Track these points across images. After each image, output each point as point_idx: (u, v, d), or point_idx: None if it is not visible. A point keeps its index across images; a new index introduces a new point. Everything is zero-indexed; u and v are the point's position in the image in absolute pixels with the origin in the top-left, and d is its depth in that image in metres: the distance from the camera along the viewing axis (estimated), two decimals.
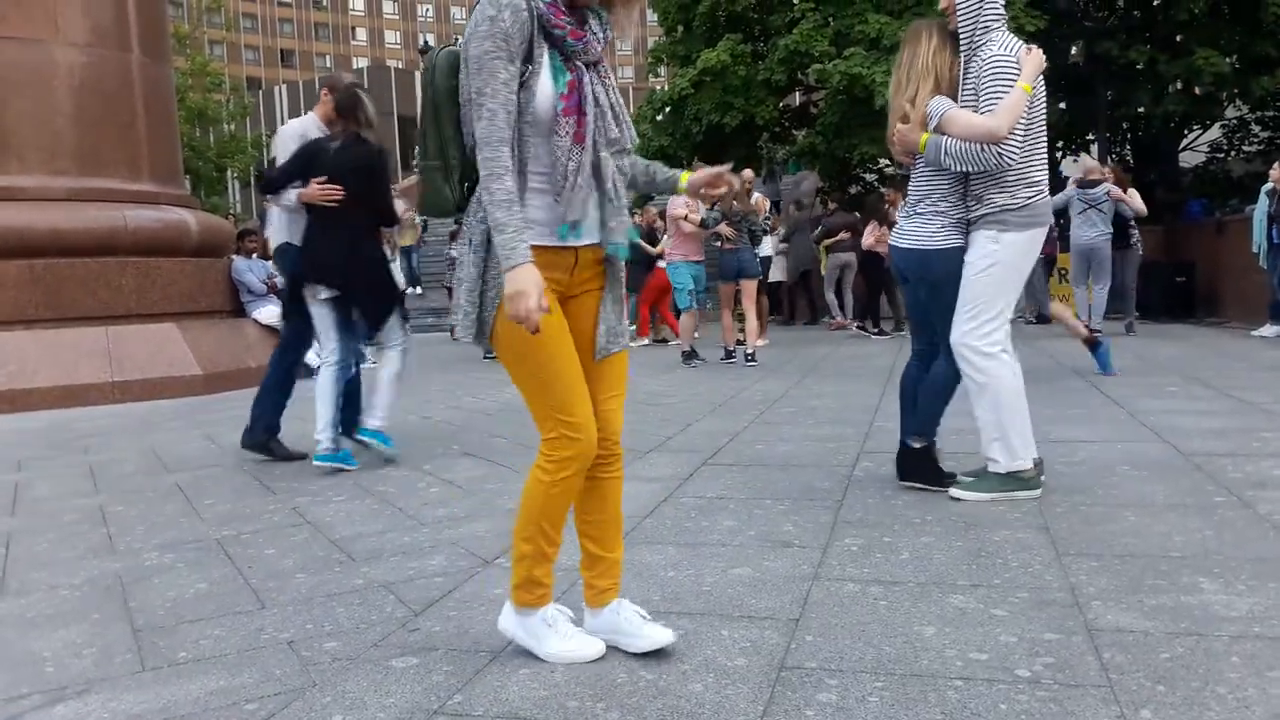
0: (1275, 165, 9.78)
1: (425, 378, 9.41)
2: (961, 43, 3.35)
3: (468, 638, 2.32)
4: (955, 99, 3.34)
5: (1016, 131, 3.20)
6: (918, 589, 2.53)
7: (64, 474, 4.78)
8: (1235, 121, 16.26)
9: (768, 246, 11.42)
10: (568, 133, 1.99)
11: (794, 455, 4.45)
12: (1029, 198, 3.32)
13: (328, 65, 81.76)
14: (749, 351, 8.69)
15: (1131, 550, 2.79)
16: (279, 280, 9.65)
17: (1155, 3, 14.73)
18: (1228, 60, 13.48)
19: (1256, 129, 16.22)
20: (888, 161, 16.70)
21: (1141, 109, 14.59)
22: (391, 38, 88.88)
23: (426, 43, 31.57)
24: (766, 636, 2.24)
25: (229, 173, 27.05)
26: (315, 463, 4.40)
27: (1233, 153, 17.05)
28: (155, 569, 3.04)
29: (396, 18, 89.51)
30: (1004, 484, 3.41)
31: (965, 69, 3.34)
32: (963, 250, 3.41)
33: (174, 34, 22.03)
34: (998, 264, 3.32)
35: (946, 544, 2.93)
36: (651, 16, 19.14)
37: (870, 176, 17.06)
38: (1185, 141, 16.45)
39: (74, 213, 8.34)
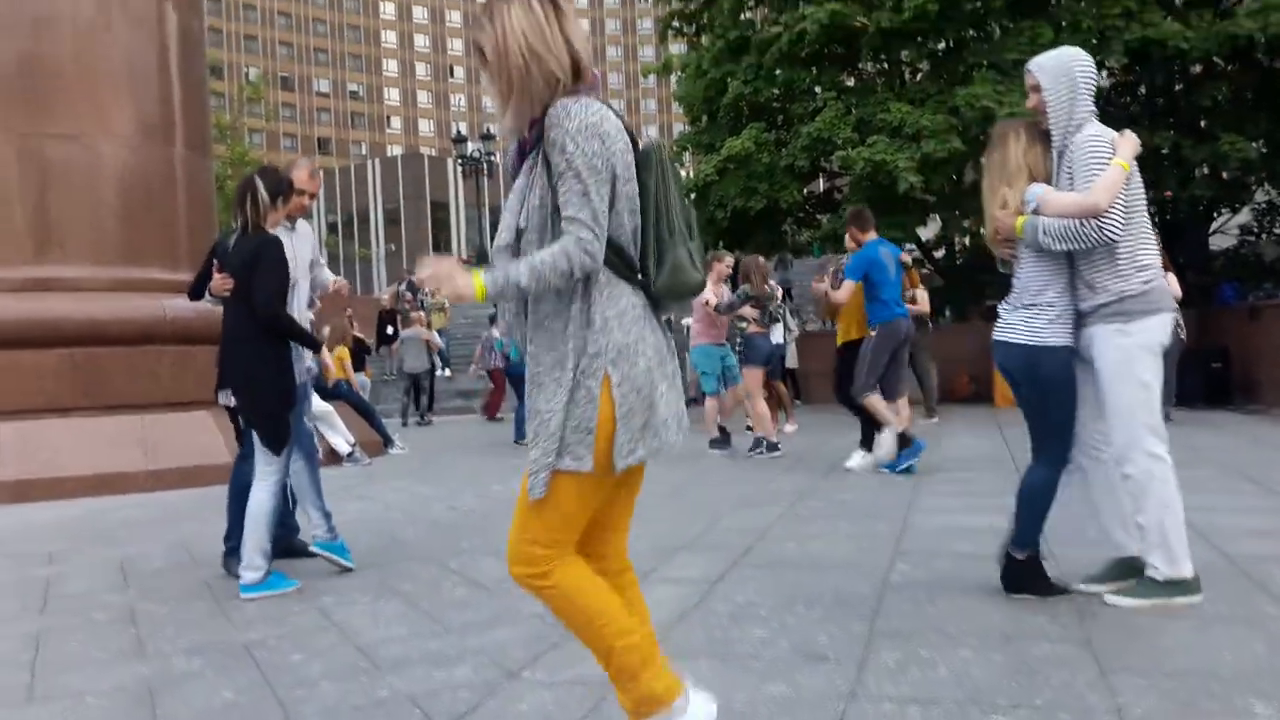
0: None
1: (452, 462, 9.43)
2: (1054, 140, 3.34)
3: None
4: None
5: (1116, 207, 3.14)
6: (956, 709, 2.46)
7: (95, 568, 4.79)
8: (1265, 205, 16.24)
9: (779, 333, 11.43)
10: None
11: (826, 555, 4.38)
12: (1146, 281, 3.23)
13: (363, 153, 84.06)
14: (773, 440, 8.61)
15: (1180, 667, 2.70)
16: (313, 369, 9.79)
17: (1177, 89, 14.86)
18: (1254, 145, 13.52)
19: None
20: (912, 245, 16.81)
21: (1169, 194, 14.62)
22: (425, 126, 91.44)
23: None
24: None
25: None
26: (242, 595, 3.97)
27: (1263, 235, 17.00)
28: (183, 675, 3.02)
29: (430, 107, 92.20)
30: (1164, 591, 3.26)
31: (1059, 163, 3.33)
32: (1073, 350, 3.32)
33: (215, 124, 22.72)
34: (1134, 358, 3.22)
35: (985, 658, 2.84)
36: (677, 106, 19.57)
37: None
38: (1215, 225, 16.42)
39: (114, 302, 8.53)
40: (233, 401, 4.25)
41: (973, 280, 17.66)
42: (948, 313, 17.29)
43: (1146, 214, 3.35)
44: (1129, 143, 3.25)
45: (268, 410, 4.03)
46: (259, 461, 4.07)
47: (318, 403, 9.52)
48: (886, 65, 16.06)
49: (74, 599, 4.16)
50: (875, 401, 7.09)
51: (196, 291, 4.52)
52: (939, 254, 17.82)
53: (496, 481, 7.51)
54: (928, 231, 16.86)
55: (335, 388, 10.26)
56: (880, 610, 3.43)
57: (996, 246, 3.47)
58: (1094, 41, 13.88)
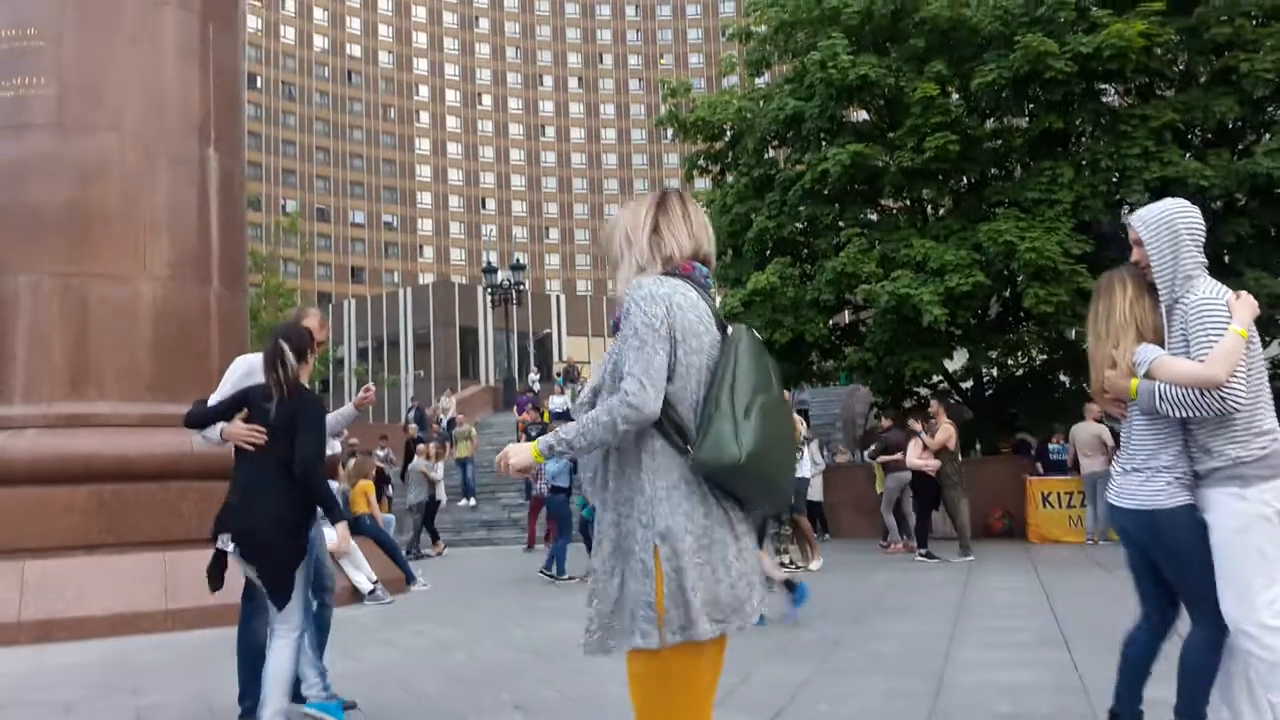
0: None
1: (475, 601, 9.27)
2: (1161, 294, 3.24)
3: None
4: (1162, 347, 3.23)
5: (1237, 376, 3.03)
6: None
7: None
8: None
9: (807, 467, 11.33)
10: None
11: (860, 713, 4.21)
12: (1264, 446, 3.10)
13: (395, 281, 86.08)
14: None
15: None
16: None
17: None
18: (1279, 280, 13.55)
19: None
20: (941, 377, 16.79)
21: None
22: (456, 255, 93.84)
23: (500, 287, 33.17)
24: None
25: None
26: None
27: None
28: None
29: (462, 237, 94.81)
30: None
31: (1169, 319, 3.22)
32: (1193, 509, 3.18)
33: (251, 255, 23.35)
34: (1251, 525, 3.07)
35: None
36: None
37: (923, 391, 17.09)
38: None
39: (144, 439, 8.60)
40: (230, 547, 4.11)
41: (1002, 412, 17.56)
42: (978, 446, 17.11)
43: (1266, 375, 3.22)
44: (1246, 306, 3.11)
45: (280, 567, 3.98)
46: (276, 619, 4.00)
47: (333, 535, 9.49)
48: (909, 202, 16.39)
49: None
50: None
51: (199, 420, 4.43)
52: (967, 384, 17.76)
53: (519, 625, 7.36)
54: (954, 363, 16.86)
55: (358, 522, 10.22)
56: None
57: (1104, 403, 3.41)
58: (1114, 179, 14.15)
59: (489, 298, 34.23)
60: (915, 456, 11.73)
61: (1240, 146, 14.81)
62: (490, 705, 4.69)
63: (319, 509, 4.17)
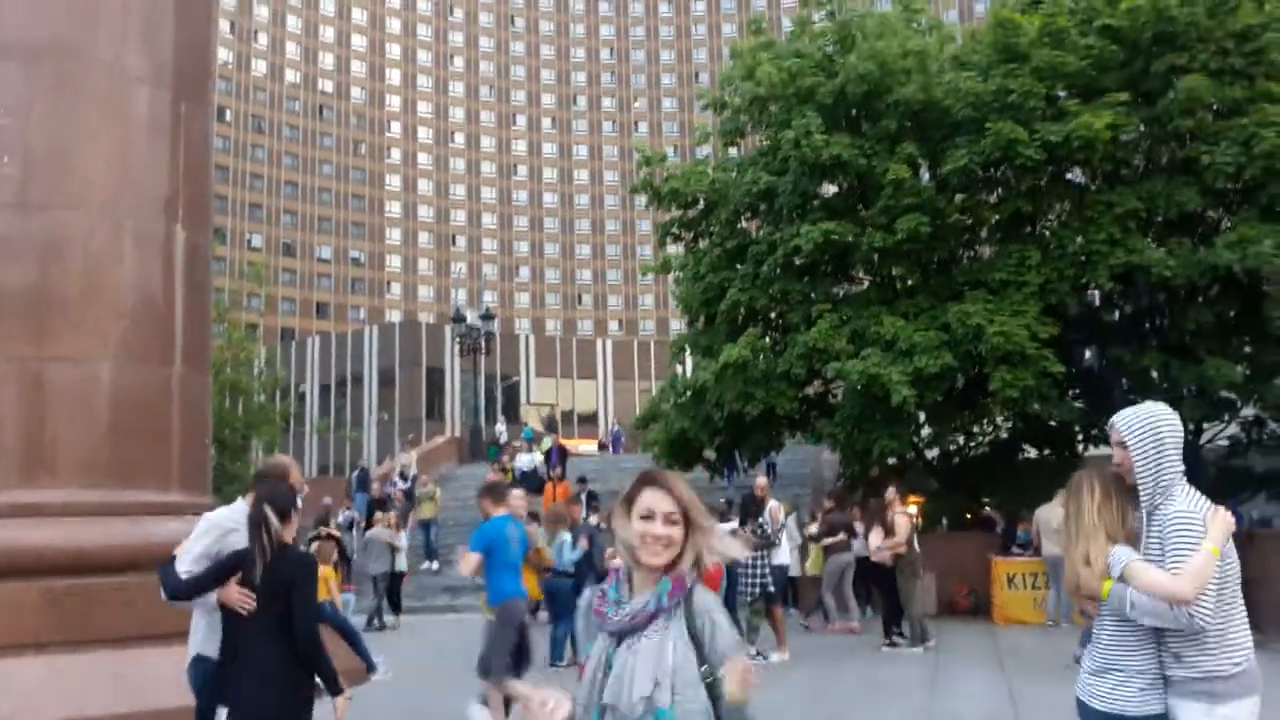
0: None
1: (432, 673, 9.06)
2: (1142, 499, 3.29)
3: None
4: (1137, 550, 3.25)
5: (1207, 593, 3.05)
6: None
7: None
8: (1252, 419, 16.45)
9: (785, 552, 11.30)
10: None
11: None
12: (1237, 663, 3.12)
13: (361, 318, 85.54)
14: None
15: None
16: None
17: (1163, 312, 15.32)
18: (1238, 368, 13.81)
19: (1273, 425, 16.38)
20: (912, 454, 16.87)
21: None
22: (425, 292, 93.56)
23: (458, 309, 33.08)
24: None
25: (254, 441, 27.75)
26: None
27: (1251, 447, 17.14)
28: None
29: (431, 274, 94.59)
30: None
31: (1148, 523, 3.27)
32: (1164, 717, 3.17)
33: (215, 308, 23.09)
34: None
35: None
36: (673, 302, 20.03)
37: (891, 460, 17.15)
38: (1205, 438, 16.59)
39: (100, 528, 8.34)
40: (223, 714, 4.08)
41: (968, 485, 17.66)
42: (944, 521, 17.18)
43: (1239, 589, 3.22)
44: (1221, 524, 3.16)
45: None
46: None
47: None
48: (880, 278, 16.56)
49: None
50: (509, 687, 6.74)
51: (183, 592, 4.32)
52: (933, 454, 17.86)
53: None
54: (920, 436, 16.97)
55: (319, 610, 9.99)
56: None
57: (1079, 599, 3.42)
58: (1081, 261, 14.37)
59: (457, 346, 34.09)
60: (875, 544, 11.75)
61: (1200, 232, 15.12)
62: None
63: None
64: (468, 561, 7.08)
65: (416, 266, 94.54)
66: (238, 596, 4.03)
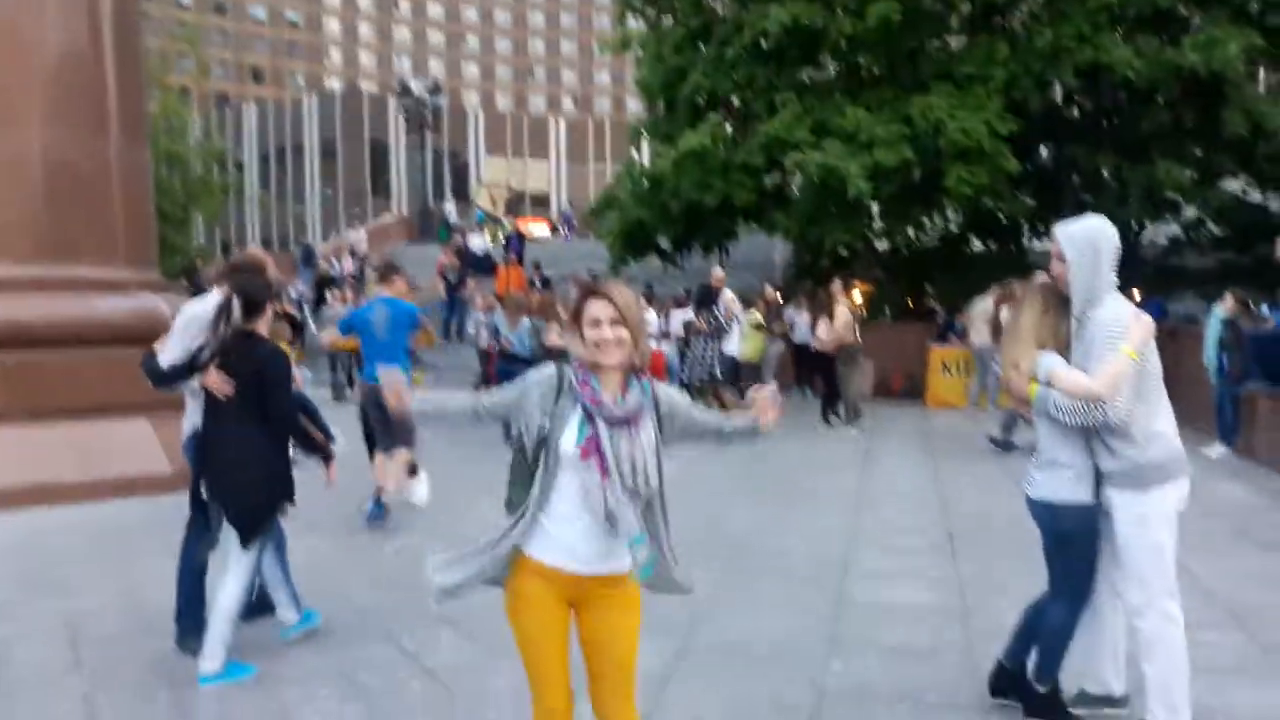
0: (1227, 294, 10.18)
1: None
2: (1075, 307, 3.47)
3: None
4: (1066, 359, 3.46)
5: (1124, 392, 3.30)
6: None
7: (43, 633, 4.78)
8: (1194, 219, 16.87)
9: (735, 342, 11.65)
10: (592, 472, 2.52)
11: (765, 637, 4.61)
12: (1162, 455, 3.41)
13: (300, 84, 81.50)
14: None
15: None
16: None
17: (1118, 121, 15.31)
18: (1188, 173, 14.04)
19: (1213, 227, 16.84)
20: (862, 245, 17.10)
21: (1106, 215, 15.12)
22: (366, 59, 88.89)
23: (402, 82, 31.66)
24: None
25: (195, 214, 27.02)
26: (200, 684, 4.08)
27: (1189, 249, 17.67)
28: None
29: (373, 39, 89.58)
30: None
31: (1079, 330, 3.46)
32: (1094, 508, 3.48)
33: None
34: (1149, 525, 3.41)
35: None
36: (631, 82, 19.41)
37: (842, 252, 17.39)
38: (1147, 235, 17.06)
39: (43, 303, 8.32)
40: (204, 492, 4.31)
41: (915, 279, 18.09)
42: (887, 311, 17.67)
43: (1162, 386, 3.46)
44: (1140, 328, 3.38)
45: (252, 504, 4.19)
46: (233, 555, 4.16)
47: None
48: (846, 66, 16.15)
49: (26, 682, 4.18)
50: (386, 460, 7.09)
51: (164, 378, 4.40)
52: (882, 246, 18.14)
53: (443, 512, 7.55)
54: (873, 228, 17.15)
55: None
56: None
57: (1015, 403, 3.65)
58: (1048, 56, 14.14)
59: (403, 120, 32.91)
60: (823, 334, 12.16)
61: (1170, 31, 14.88)
62: (420, 623, 4.92)
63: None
64: (325, 335, 7.09)
65: (357, 33, 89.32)
66: (216, 382, 4.18)
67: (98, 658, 4.44)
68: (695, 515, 7.15)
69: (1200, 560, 5.91)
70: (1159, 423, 3.46)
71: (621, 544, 2.55)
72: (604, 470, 2.50)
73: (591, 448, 2.52)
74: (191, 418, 4.65)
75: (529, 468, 2.61)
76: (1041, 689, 3.65)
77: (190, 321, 4.64)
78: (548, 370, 2.63)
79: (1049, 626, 3.62)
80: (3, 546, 6.54)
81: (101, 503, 7.73)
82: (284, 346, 10.62)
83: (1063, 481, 3.48)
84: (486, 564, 2.66)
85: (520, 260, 21.26)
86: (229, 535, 4.20)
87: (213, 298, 4.55)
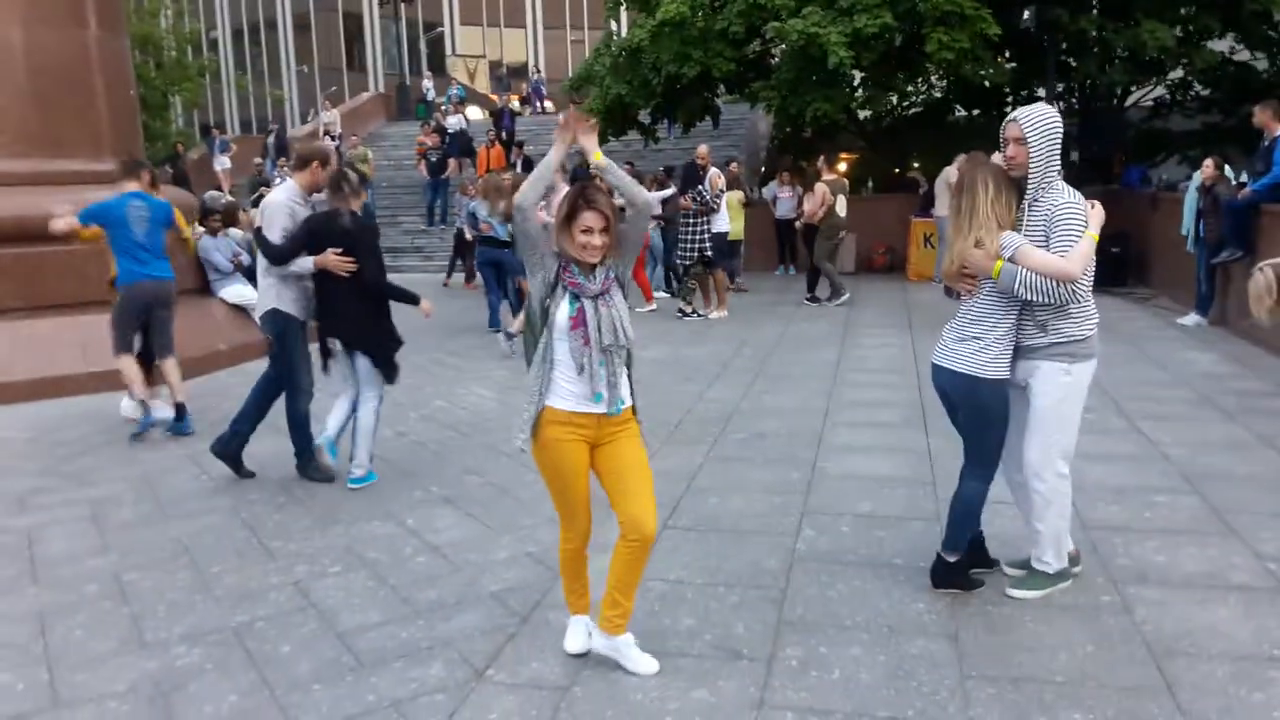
0: (1207, 162, 10.26)
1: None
2: (1029, 190, 3.66)
3: None
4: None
5: (1088, 272, 3.57)
6: None
7: (69, 521, 5.12)
8: (1177, 81, 16.72)
9: (724, 219, 11.72)
10: (578, 340, 3.16)
11: (743, 511, 4.95)
12: (1090, 330, 3.70)
13: None
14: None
15: (1024, 671, 3.33)
16: (244, 258, 9.83)
17: None
18: (1173, 32, 13.85)
19: (1198, 88, 16.71)
20: (843, 116, 16.95)
21: (1089, 79, 14.99)
22: None
23: None
24: None
25: (175, 99, 26.37)
26: (349, 485, 5.43)
27: (1174, 110, 17.56)
28: (188, 672, 3.46)
29: None
30: (1052, 581, 3.91)
31: (1031, 212, 3.65)
32: (1008, 381, 3.73)
33: None
34: (1070, 395, 3.72)
35: (872, 658, 3.45)
36: None
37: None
38: (1131, 99, 16.93)
39: (37, 198, 8.37)
40: (338, 347, 5.42)
41: (898, 149, 17.99)
42: (870, 184, 17.67)
43: (1093, 269, 3.69)
44: (1099, 216, 3.63)
45: (389, 351, 5.43)
46: (366, 388, 5.42)
47: (253, 294, 9.66)
48: None
49: (60, 565, 4.52)
50: (125, 365, 6.78)
51: (286, 257, 5.22)
52: (865, 115, 17.99)
53: (438, 396, 7.84)
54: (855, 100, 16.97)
55: None
56: (788, 594, 4.00)
57: (954, 277, 3.76)
58: None
59: None
60: (808, 208, 12.27)
61: None
62: (421, 499, 5.27)
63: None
64: (56, 221, 6.66)
65: None
66: (337, 261, 5.13)
67: (121, 542, 4.78)
68: (680, 397, 7.47)
69: (1163, 429, 6.29)
70: (1090, 304, 3.72)
71: (618, 391, 3.22)
72: (586, 339, 3.13)
73: (580, 318, 3.14)
74: (268, 296, 5.37)
75: (536, 339, 3.24)
76: (951, 559, 3.94)
77: (279, 209, 5.32)
78: (550, 264, 3.19)
79: (964, 499, 3.90)
80: (18, 438, 6.82)
81: (106, 394, 7.99)
82: None
83: (990, 356, 3.70)
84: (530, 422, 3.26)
85: (511, 138, 20.90)
86: (353, 378, 5.46)
87: (288, 185, 5.49)
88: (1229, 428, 6.31)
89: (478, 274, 12.55)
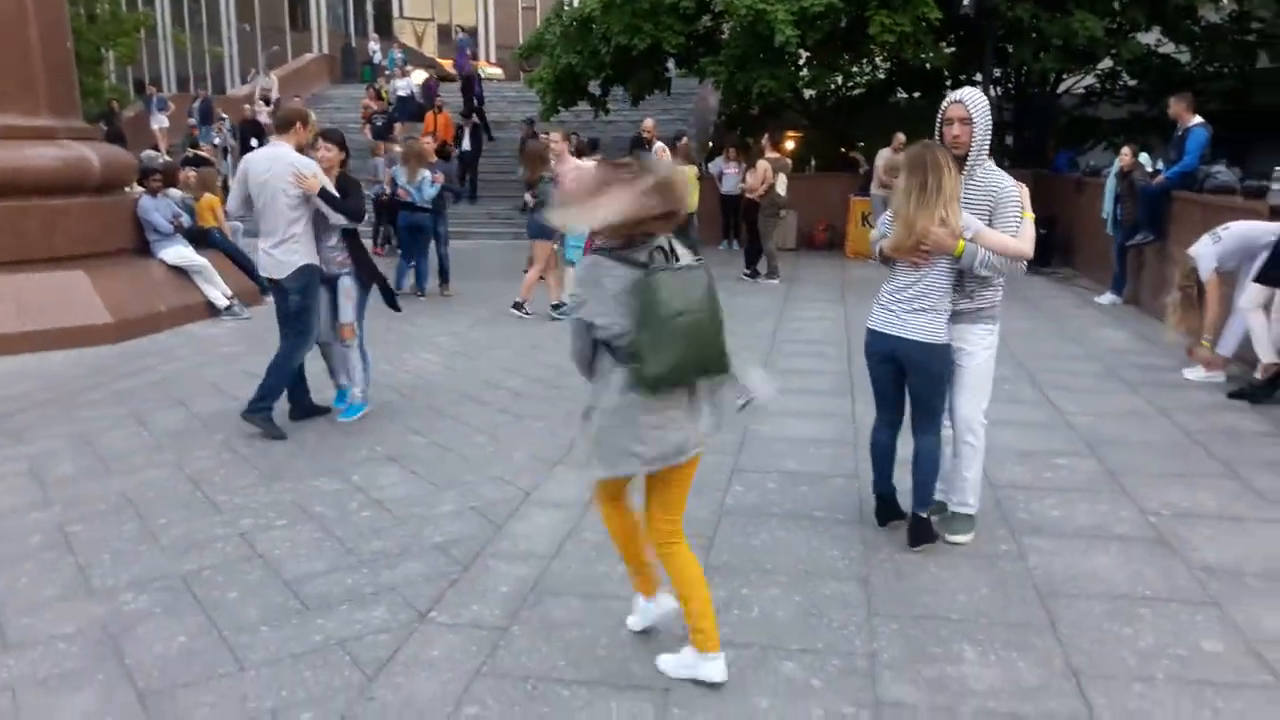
0: (1124, 150, 10.73)
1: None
2: (967, 167, 4.00)
3: (412, 710, 3.01)
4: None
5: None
6: (760, 653, 3.32)
7: (8, 476, 5.16)
8: (1107, 71, 17.28)
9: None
10: None
11: None
12: (1001, 294, 4.15)
13: None
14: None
15: (925, 610, 3.63)
16: (185, 219, 9.78)
17: None
18: (1103, 23, 14.33)
19: (1126, 78, 17.28)
20: (788, 94, 17.21)
21: (1025, 65, 15.44)
22: None
23: None
24: (643, 710, 3.00)
25: (109, 54, 25.64)
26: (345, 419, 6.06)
27: (1104, 99, 18.13)
28: (136, 616, 3.60)
29: None
30: (974, 522, 4.33)
31: (966, 189, 3.99)
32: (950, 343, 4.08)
33: None
34: (992, 354, 4.17)
35: (788, 599, 3.72)
36: None
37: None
38: (1064, 86, 17.45)
39: None
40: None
41: (841, 129, 18.31)
42: (813, 162, 17.99)
43: None
44: (1026, 195, 4.06)
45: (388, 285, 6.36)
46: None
47: (193, 256, 9.63)
48: None
49: (3, 517, 4.59)
50: None
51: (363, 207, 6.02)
52: (810, 95, 18.27)
53: (383, 357, 7.93)
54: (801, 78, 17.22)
55: (207, 236, 10.28)
56: (715, 540, 4.26)
57: (910, 251, 3.93)
58: None
59: None
60: (750, 184, 12.53)
61: None
62: (366, 457, 5.42)
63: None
64: None
65: None
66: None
67: (63, 494, 4.86)
68: None
69: (1071, 399, 6.67)
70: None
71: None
72: None
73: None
74: (301, 252, 5.67)
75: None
76: (924, 514, 4.22)
77: (250, 168, 5.64)
78: (617, 269, 2.92)
79: (927, 455, 4.18)
80: None
81: (42, 354, 7.96)
82: (214, 199, 10.65)
83: (940, 325, 4.02)
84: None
85: (481, 105, 20.58)
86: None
87: (278, 146, 5.69)
88: (1131, 399, 6.71)
89: (388, 240, 12.74)
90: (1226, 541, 4.24)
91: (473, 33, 51.14)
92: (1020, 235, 3.97)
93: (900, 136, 13.66)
